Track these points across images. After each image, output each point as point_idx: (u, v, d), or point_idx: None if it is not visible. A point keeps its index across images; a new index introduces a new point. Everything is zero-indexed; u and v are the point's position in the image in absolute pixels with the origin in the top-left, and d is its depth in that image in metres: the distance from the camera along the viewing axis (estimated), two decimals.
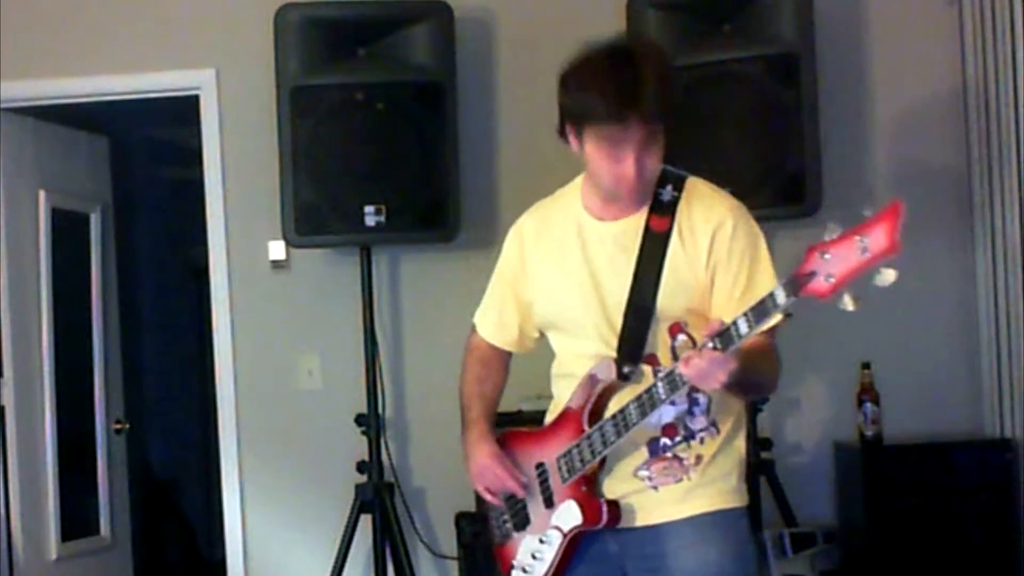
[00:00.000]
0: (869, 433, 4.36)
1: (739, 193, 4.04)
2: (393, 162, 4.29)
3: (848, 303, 2.27)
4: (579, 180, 2.71)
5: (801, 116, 4.16)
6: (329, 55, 4.33)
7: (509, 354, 2.88)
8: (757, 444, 4.29)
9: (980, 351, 4.53)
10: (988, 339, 4.47)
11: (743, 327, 2.35)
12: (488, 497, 2.78)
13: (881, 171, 4.58)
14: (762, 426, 4.33)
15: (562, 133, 2.57)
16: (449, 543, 4.47)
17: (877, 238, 2.21)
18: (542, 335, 2.82)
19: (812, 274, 2.27)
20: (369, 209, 4.26)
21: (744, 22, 4.24)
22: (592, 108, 2.46)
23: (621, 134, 2.46)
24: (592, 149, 2.51)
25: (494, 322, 2.86)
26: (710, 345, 2.36)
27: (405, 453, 4.62)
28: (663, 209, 2.59)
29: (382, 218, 4.27)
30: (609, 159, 2.50)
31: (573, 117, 2.52)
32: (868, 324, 4.54)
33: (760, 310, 2.34)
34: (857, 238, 2.22)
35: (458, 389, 2.88)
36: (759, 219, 4.31)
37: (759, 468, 4.28)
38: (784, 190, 4.12)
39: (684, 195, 2.62)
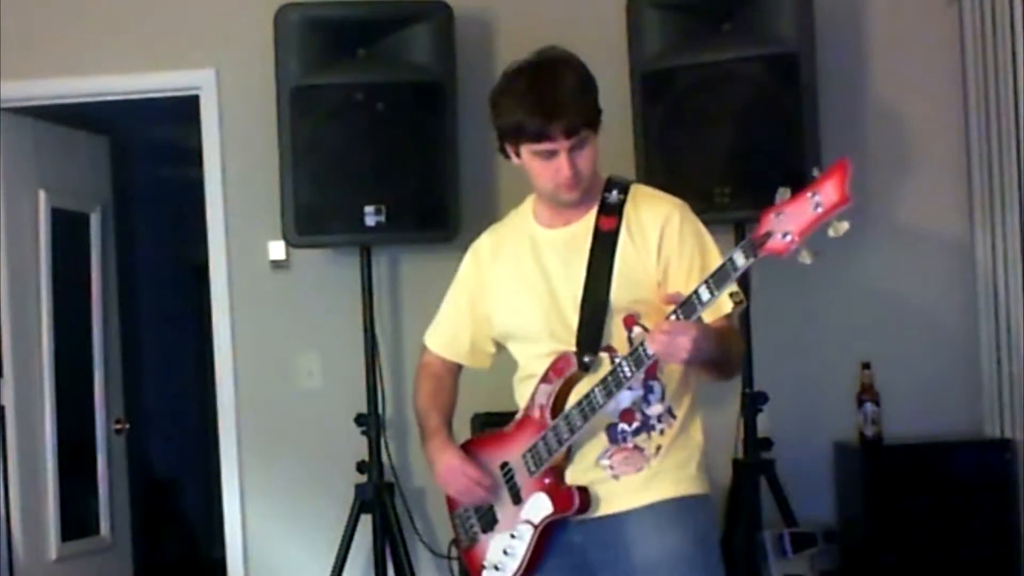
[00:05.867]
0: (869, 433, 4.36)
1: (739, 193, 4.11)
2: (393, 162, 4.29)
3: (806, 257, 2.36)
4: (530, 199, 2.86)
5: (801, 116, 4.16)
6: (329, 55, 4.33)
7: (459, 369, 3.00)
8: (757, 444, 4.29)
9: (980, 351, 4.53)
10: (988, 339, 4.47)
11: (704, 294, 2.45)
12: (459, 499, 2.85)
13: (880, 171, 4.57)
14: (762, 426, 4.32)
15: (502, 150, 2.75)
16: (448, 543, 4.47)
17: (828, 193, 2.31)
18: (499, 350, 2.93)
19: (769, 234, 2.36)
20: (369, 209, 4.26)
21: (744, 22, 4.24)
22: (520, 129, 2.65)
23: (550, 146, 2.64)
24: (528, 161, 2.69)
25: (446, 337, 2.98)
26: (673, 318, 2.46)
27: (405, 453, 4.62)
28: (610, 210, 2.73)
29: (382, 218, 4.27)
30: (544, 168, 2.67)
31: (506, 137, 2.71)
32: (868, 324, 4.56)
33: (720, 275, 2.44)
34: (809, 195, 2.34)
35: (412, 405, 2.99)
36: (758, 219, 4.32)
37: (759, 468, 4.28)
38: None
39: (630, 197, 2.75)
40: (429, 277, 4.63)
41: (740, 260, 2.39)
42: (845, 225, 2.30)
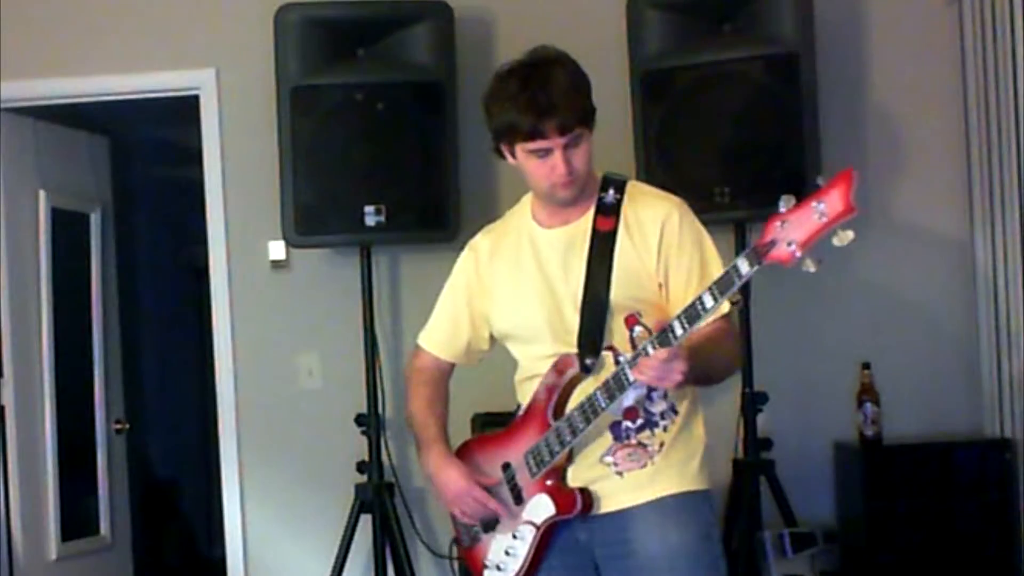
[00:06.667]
0: (869, 433, 4.36)
1: (739, 193, 4.11)
2: (393, 162, 4.29)
3: (810, 266, 2.36)
4: (527, 198, 2.87)
5: (801, 116, 4.16)
6: (329, 55, 4.33)
7: (452, 369, 2.99)
8: (757, 444, 4.29)
9: (980, 351, 4.53)
10: (988, 339, 4.47)
11: (708, 301, 2.45)
12: (466, 520, 2.84)
13: (880, 171, 4.57)
14: (762, 426, 4.32)
15: (498, 151, 2.75)
16: (449, 543, 4.47)
17: (833, 202, 2.32)
18: (491, 347, 2.93)
19: (773, 243, 2.37)
20: (369, 209, 4.26)
21: (744, 22, 4.24)
22: (513, 128, 2.66)
23: (544, 145, 2.64)
24: (523, 161, 2.70)
25: (443, 336, 2.97)
26: (676, 324, 2.47)
27: (405, 453, 4.62)
28: (607, 210, 2.74)
29: (382, 218, 4.27)
30: (540, 167, 2.68)
31: (500, 137, 2.72)
32: (868, 324, 4.56)
33: (724, 283, 2.44)
34: (813, 204, 2.34)
35: (406, 412, 2.99)
36: (759, 219, 4.32)
37: (759, 468, 4.28)
38: (784, 190, 4.08)
39: (626, 196, 2.75)
40: (429, 277, 4.60)
41: (744, 268, 2.40)
42: (850, 234, 2.31)
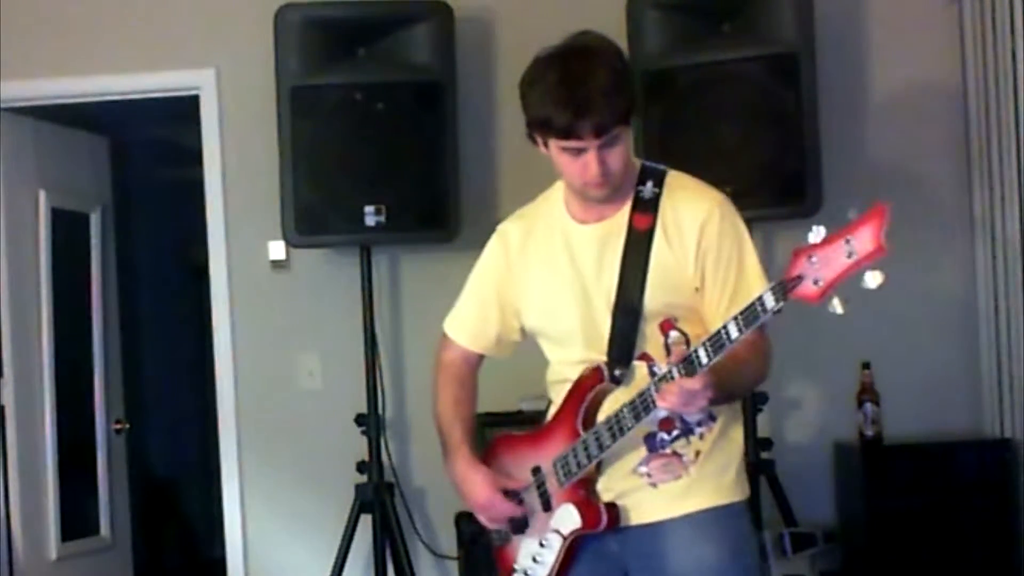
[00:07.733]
0: (869, 433, 4.36)
1: (739, 193, 4.08)
2: (393, 162, 4.29)
3: (837, 306, 2.29)
4: (559, 185, 2.71)
5: (801, 116, 4.16)
6: (329, 55, 4.33)
7: (480, 361, 2.87)
8: (757, 444, 4.29)
9: (980, 351, 4.53)
10: (988, 339, 4.47)
11: (733, 331, 2.36)
12: (492, 526, 2.76)
13: (881, 171, 4.57)
14: (762, 426, 4.32)
15: (531, 137, 2.60)
16: (449, 543, 4.47)
17: (863, 240, 2.25)
18: (523, 337, 2.80)
19: (800, 278, 2.29)
20: (369, 209, 4.26)
21: (744, 22, 4.24)
22: (547, 124, 2.50)
23: (578, 144, 2.50)
24: (556, 155, 2.55)
25: (473, 327, 2.84)
26: (702, 352, 2.38)
27: (405, 453, 4.62)
28: (644, 206, 2.60)
29: (382, 218, 4.27)
30: (572, 163, 2.53)
31: (534, 128, 2.56)
32: (868, 324, 4.55)
33: (749, 315, 2.35)
34: (843, 240, 2.25)
35: (433, 411, 2.86)
36: (759, 219, 4.33)
37: (759, 468, 4.27)
38: (784, 190, 4.12)
39: (666, 190, 2.62)
40: (429, 277, 4.67)
41: (770, 302, 2.32)
42: (879, 275, 2.25)
